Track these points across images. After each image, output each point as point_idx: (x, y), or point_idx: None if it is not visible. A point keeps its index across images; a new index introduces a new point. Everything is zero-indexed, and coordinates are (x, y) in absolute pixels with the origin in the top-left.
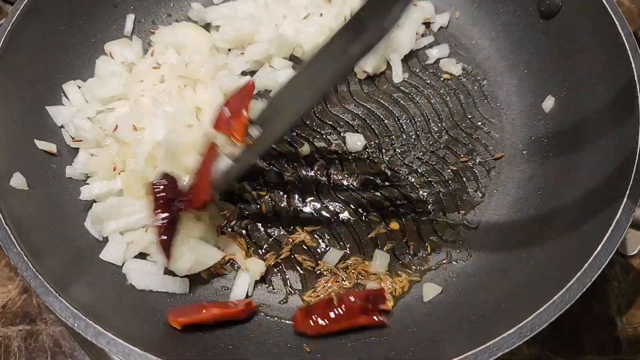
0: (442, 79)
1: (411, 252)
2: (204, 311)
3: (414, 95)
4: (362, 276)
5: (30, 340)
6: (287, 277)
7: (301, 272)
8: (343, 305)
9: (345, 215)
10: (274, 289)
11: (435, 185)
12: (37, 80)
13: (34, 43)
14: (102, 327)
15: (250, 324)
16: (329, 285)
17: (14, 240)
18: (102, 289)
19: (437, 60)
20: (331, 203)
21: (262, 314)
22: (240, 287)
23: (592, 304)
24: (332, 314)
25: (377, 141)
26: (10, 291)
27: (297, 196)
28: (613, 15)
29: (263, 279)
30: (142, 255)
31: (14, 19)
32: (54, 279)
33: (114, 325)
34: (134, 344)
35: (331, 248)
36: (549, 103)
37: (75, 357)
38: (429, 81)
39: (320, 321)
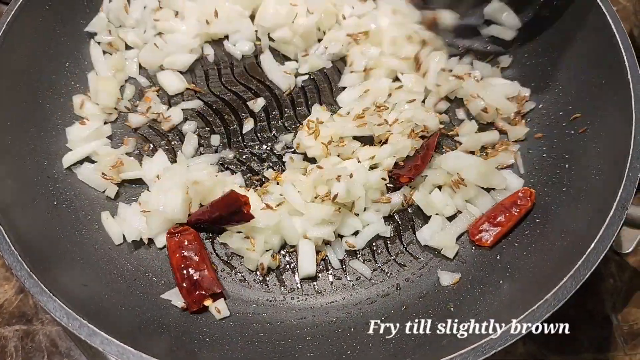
0: None
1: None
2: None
3: None
4: None
5: (27, 340)
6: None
7: None
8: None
9: None
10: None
11: None
12: (32, 79)
13: (28, 42)
14: (96, 327)
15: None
16: None
17: (8, 240)
18: (98, 289)
19: None
20: None
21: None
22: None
23: (588, 302)
24: (500, 219)
25: None
26: (7, 291)
27: None
28: (607, 14)
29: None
30: None
31: (9, 19)
32: (48, 279)
33: (109, 325)
34: (128, 343)
35: None
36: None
37: (72, 357)
38: None
39: (492, 229)
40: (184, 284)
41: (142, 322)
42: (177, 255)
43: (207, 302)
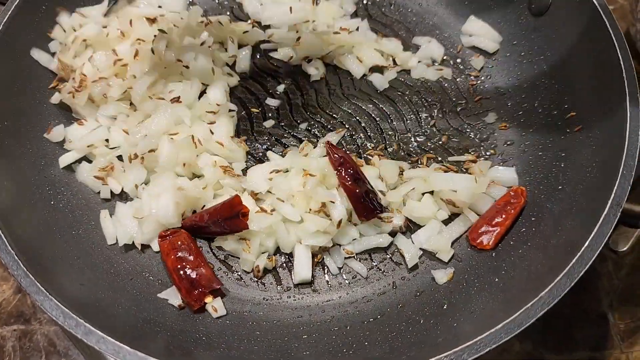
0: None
1: None
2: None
3: (406, 92)
4: None
5: (25, 339)
6: None
7: None
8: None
9: None
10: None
11: None
12: (29, 79)
13: (26, 42)
14: (92, 326)
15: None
16: None
17: (5, 240)
18: (94, 288)
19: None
20: None
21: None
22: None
23: (584, 300)
24: (497, 219)
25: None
26: (5, 291)
27: None
28: (602, 13)
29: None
30: None
31: (5, 19)
32: (45, 278)
33: (106, 324)
34: (124, 341)
35: None
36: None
37: (70, 357)
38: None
39: (492, 229)
40: (183, 284)
41: (138, 320)
42: (172, 257)
43: (208, 299)
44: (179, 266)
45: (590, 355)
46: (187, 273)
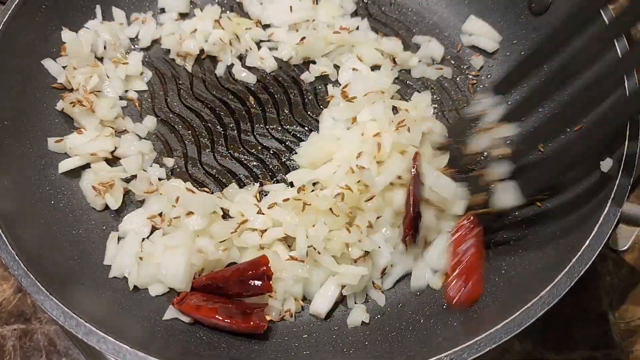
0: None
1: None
2: (212, 317)
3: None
4: None
5: (25, 339)
6: None
7: None
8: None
9: None
10: None
11: None
12: (29, 80)
13: (26, 42)
14: (92, 325)
15: None
16: None
17: (5, 239)
18: (95, 287)
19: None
20: None
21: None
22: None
23: (584, 300)
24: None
25: None
26: (5, 290)
27: None
28: (603, 13)
29: None
30: None
31: (5, 18)
32: (45, 278)
33: (107, 324)
34: (125, 341)
35: None
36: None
37: (70, 356)
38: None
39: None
40: (235, 322)
41: (138, 320)
42: (204, 310)
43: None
44: (217, 313)
45: (590, 354)
46: (233, 310)
